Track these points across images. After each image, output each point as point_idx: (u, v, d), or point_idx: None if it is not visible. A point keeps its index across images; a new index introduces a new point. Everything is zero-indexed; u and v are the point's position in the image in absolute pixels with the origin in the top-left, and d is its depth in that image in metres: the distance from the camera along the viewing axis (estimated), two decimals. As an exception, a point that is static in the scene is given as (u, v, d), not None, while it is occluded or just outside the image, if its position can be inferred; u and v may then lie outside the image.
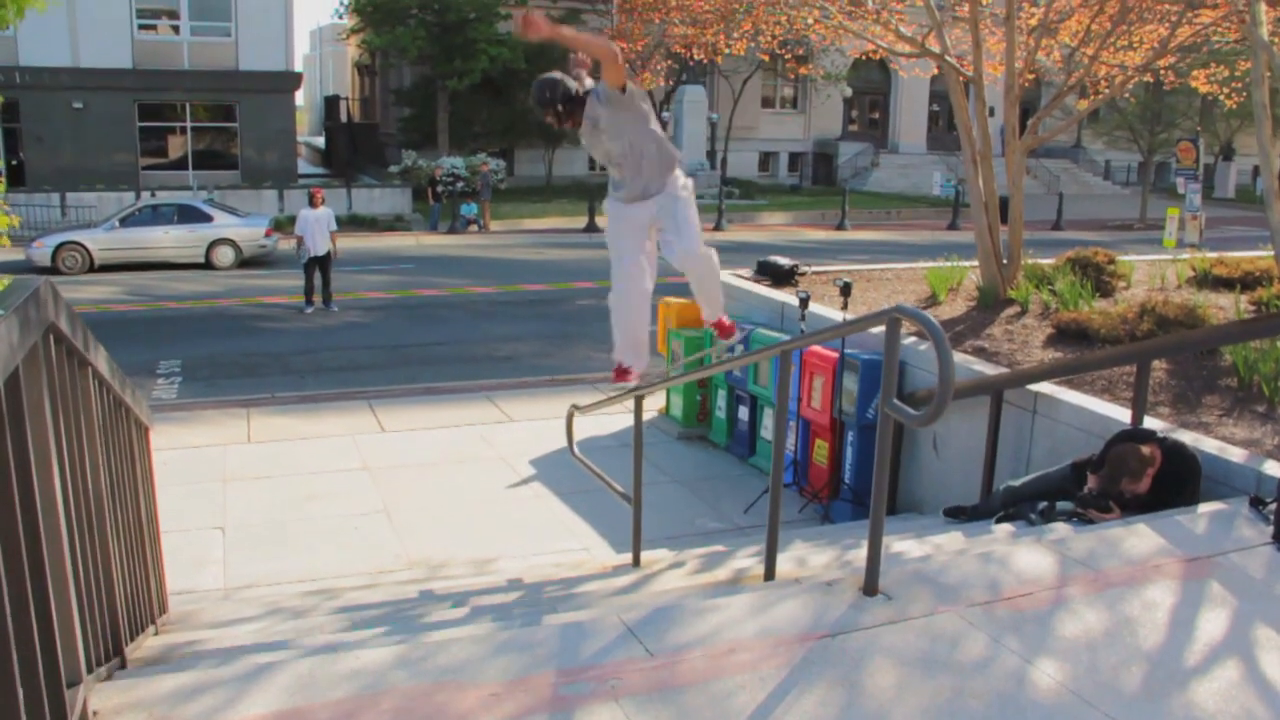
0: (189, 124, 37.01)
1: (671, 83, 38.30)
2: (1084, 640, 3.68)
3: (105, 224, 23.86)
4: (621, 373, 6.50)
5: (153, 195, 28.29)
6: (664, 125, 35.63)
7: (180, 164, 36.60)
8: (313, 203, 17.77)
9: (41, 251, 22.74)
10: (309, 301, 18.09)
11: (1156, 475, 5.70)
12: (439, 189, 31.76)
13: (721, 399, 10.87)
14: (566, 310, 18.65)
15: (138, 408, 4.86)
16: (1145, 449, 5.74)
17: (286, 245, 24.02)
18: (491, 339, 16.03)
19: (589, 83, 5.65)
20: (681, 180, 5.90)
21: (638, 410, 6.64)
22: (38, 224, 27.06)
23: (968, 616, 3.80)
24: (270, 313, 18.25)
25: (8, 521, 2.38)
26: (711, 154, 40.81)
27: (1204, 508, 5.23)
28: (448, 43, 35.73)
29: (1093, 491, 5.84)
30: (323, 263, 17.87)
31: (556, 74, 5.64)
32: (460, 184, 33.04)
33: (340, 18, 45.44)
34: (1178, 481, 5.68)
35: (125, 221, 23.78)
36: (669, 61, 25.81)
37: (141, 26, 34.95)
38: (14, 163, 33.79)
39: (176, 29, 35.54)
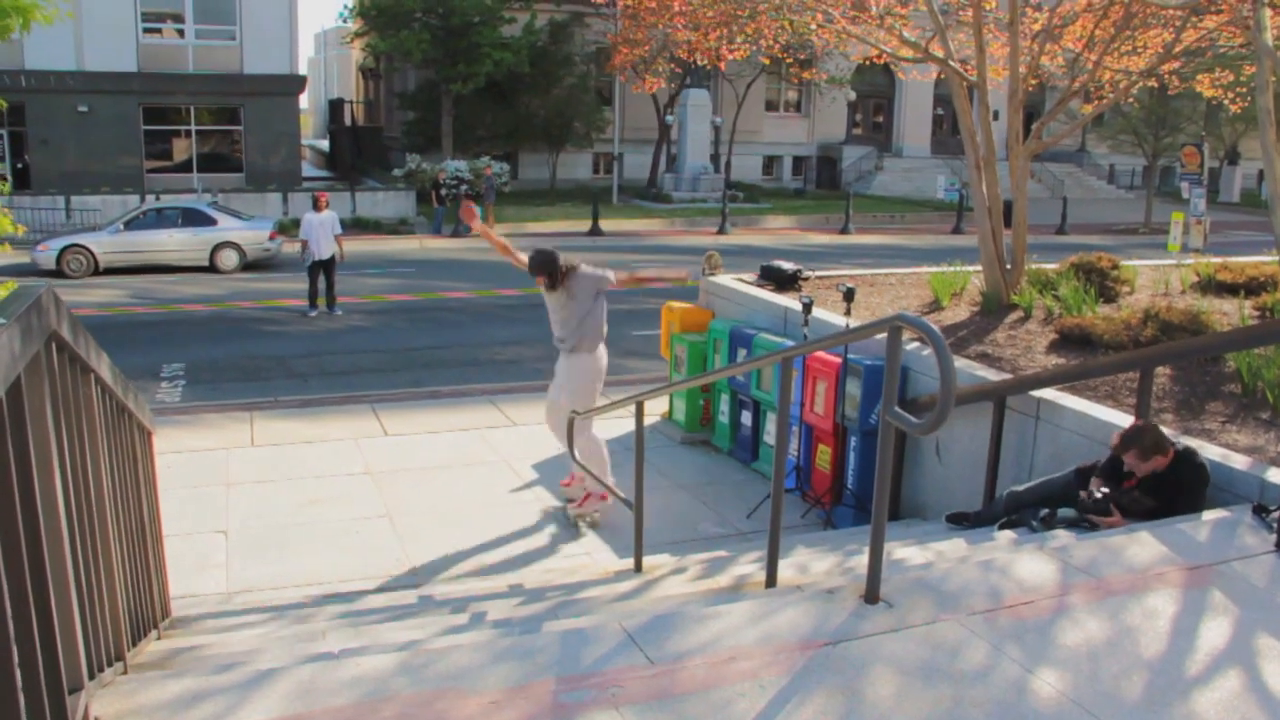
0: (193, 127, 37.08)
1: (675, 86, 38.34)
2: (1085, 649, 3.68)
3: (110, 227, 23.94)
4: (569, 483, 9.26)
5: (157, 198, 28.25)
6: (668, 129, 35.75)
7: (185, 167, 36.66)
8: (316, 206, 17.81)
9: (46, 254, 22.80)
10: (313, 305, 18.11)
11: (1161, 475, 5.71)
12: (443, 192, 31.78)
13: (724, 404, 10.86)
14: None
15: (140, 412, 4.85)
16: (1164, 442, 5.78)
17: (290, 248, 24.12)
18: (494, 342, 16.06)
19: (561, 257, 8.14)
20: (591, 366, 8.37)
21: (639, 415, 6.64)
22: (43, 227, 27.12)
23: (969, 625, 3.80)
24: (274, 316, 18.28)
25: (9, 528, 2.39)
26: (715, 157, 40.86)
27: (1207, 515, 5.22)
28: (452, 46, 35.83)
29: (1092, 496, 5.85)
30: (327, 266, 17.89)
31: (551, 249, 8.16)
32: (464, 187, 33.08)
33: (345, 21, 45.69)
34: (1181, 487, 5.68)
35: (130, 224, 23.84)
36: (672, 65, 25.84)
37: (146, 30, 35.08)
38: (19, 166, 33.95)
39: (181, 32, 35.64)
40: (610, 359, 13.79)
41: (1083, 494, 5.93)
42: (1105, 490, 5.88)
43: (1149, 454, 5.72)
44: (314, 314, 17.96)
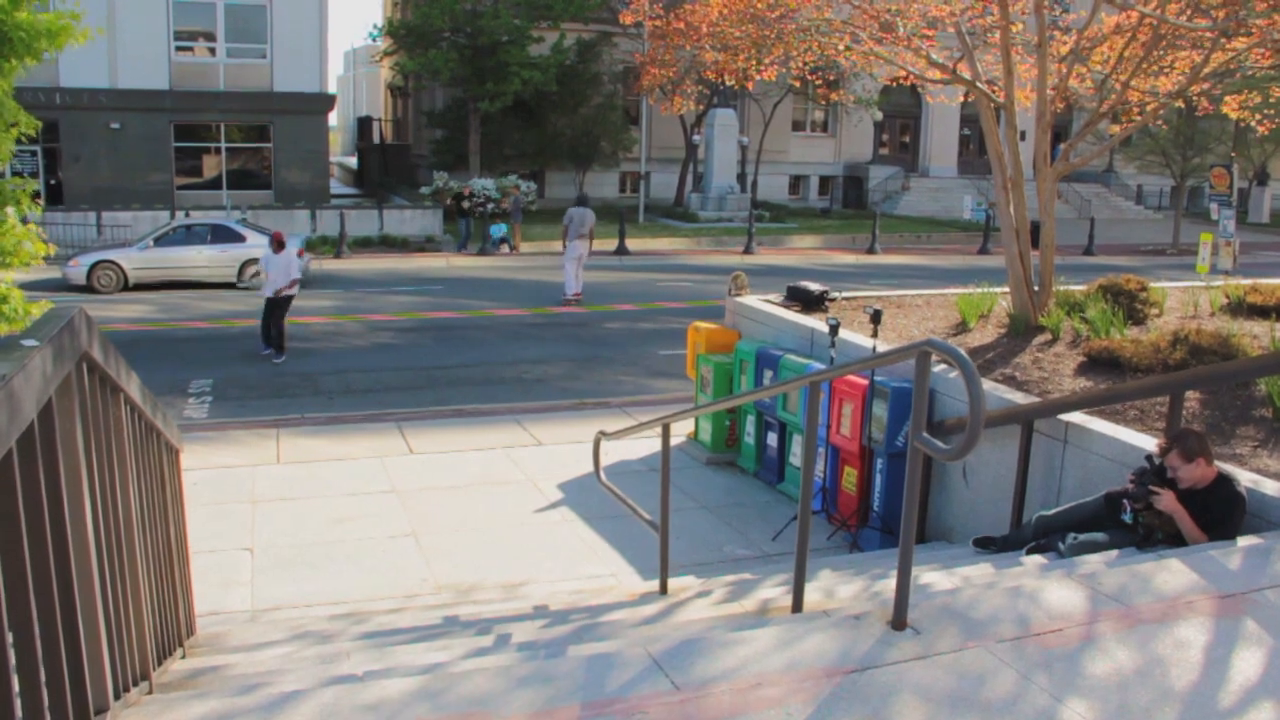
0: (224, 144, 37.33)
1: (703, 106, 38.37)
2: (1115, 679, 3.64)
3: (140, 243, 24.07)
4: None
5: (187, 215, 28.27)
6: (694, 149, 35.53)
7: (215, 184, 36.97)
8: (274, 246, 16.18)
9: (77, 270, 22.95)
10: (266, 344, 16.34)
11: (1200, 495, 5.67)
12: (467, 206, 31.81)
13: (750, 425, 10.84)
14: (595, 333, 18.70)
15: (168, 431, 4.87)
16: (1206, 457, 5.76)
17: (317, 266, 24.30)
18: (520, 361, 16.09)
19: None
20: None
21: (665, 438, 6.62)
22: (74, 242, 27.33)
23: (996, 653, 3.76)
24: (301, 333, 18.35)
25: (38, 551, 2.41)
26: (742, 177, 40.86)
27: (1239, 542, 5.16)
28: (480, 65, 36.02)
29: (1145, 473, 5.86)
30: (277, 306, 16.11)
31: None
32: (490, 205, 33.19)
33: (374, 40, 46.04)
34: (1219, 511, 5.61)
35: (159, 241, 23.94)
36: (700, 86, 25.94)
37: (179, 48, 35.46)
38: (52, 182, 34.26)
39: (213, 51, 36.03)
40: (637, 378, 13.77)
41: (1131, 477, 5.93)
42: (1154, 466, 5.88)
43: (1193, 455, 5.68)
44: (266, 352, 16.21)
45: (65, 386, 2.71)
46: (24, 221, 8.38)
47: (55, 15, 7.89)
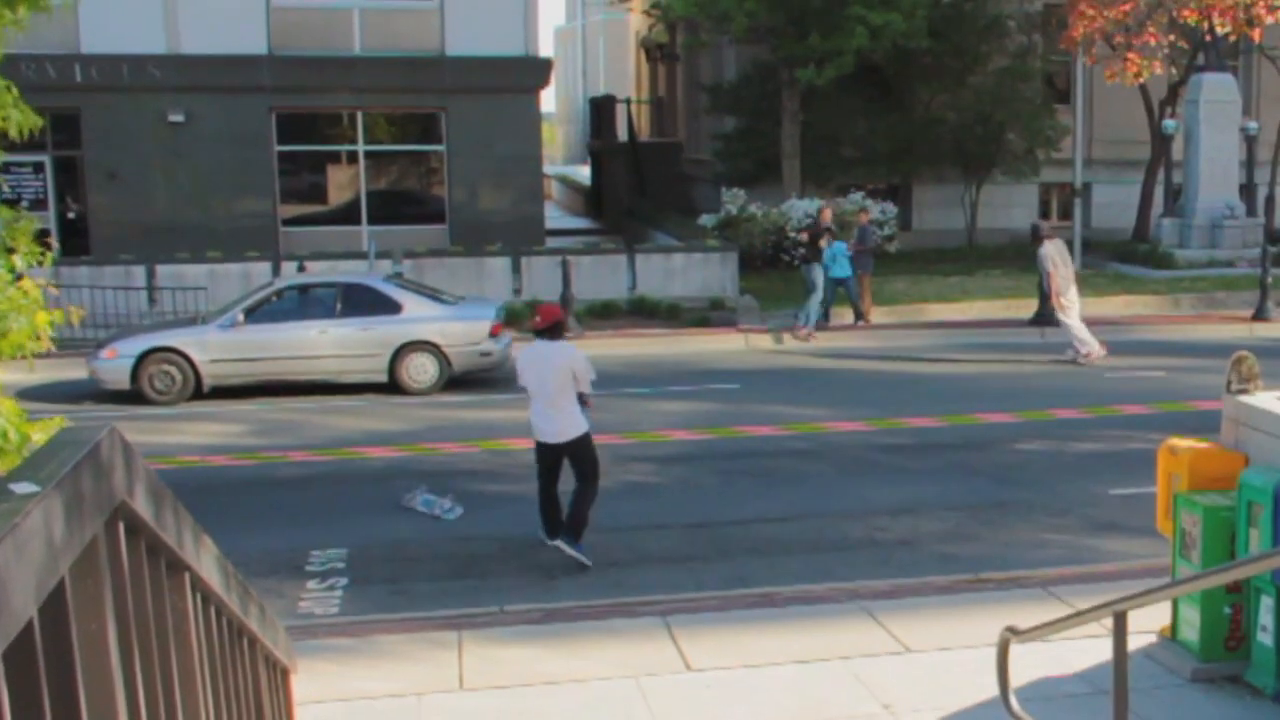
0: (361, 147, 25.69)
1: (1179, 71, 26.75)
2: None
3: (222, 317, 16.22)
4: None
5: (301, 268, 19.64)
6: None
7: (346, 214, 25.66)
8: (547, 328, 9.55)
9: (115, 364, 15.49)
10: (549, 530, 9.72)
11: None
12: (798, 253, 21.00)
13: (1268, 611, 7.02)
14: (998, 459, 12.96)
15: (271, 638, 3.86)
16: None
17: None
18: (871, 510, 11.16)
19: None
20: None
21: (1119, 634, 4.76)
22: (109, 315, 18.66)
23: None
24: (499, 469, 12.52)
25: None
26: (1249, 188, 27.00)
27: None
28: (800, 8, 24.49)
29: None
30: (572, 454, 9.60)
31: None
32: (829, 243, 22.11)
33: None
34: None
35: (253, 313, 16.07)
36: (1172, 37, 19.42)
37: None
38: (70, 216, 24.00)
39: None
40: (1072, 535, 10.40)
41: None
42: None
43: None
44: (554, 543, 9.65)
45: (87, 560, 1.84)
46: (16, 277, 5.09)
47: None
